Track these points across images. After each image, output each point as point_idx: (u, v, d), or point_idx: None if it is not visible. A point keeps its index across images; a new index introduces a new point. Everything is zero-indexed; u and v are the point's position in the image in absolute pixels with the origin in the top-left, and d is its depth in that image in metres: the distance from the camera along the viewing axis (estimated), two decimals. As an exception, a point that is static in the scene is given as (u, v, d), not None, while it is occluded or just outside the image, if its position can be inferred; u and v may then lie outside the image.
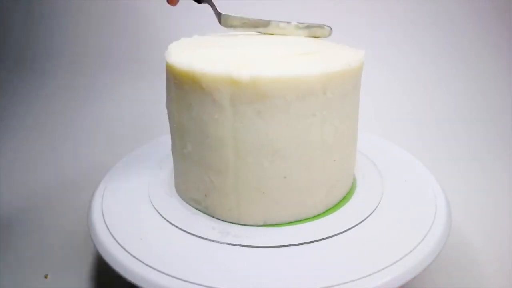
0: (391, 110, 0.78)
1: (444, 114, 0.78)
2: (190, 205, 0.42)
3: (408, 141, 0.65)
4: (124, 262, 0.35)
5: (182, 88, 0.38)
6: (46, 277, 0.46)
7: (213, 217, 0.40)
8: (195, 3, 0.46)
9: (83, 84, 0.88)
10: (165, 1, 0.44)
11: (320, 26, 0.45)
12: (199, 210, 0.41)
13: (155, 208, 0.42)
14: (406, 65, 0.84)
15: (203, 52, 0.40)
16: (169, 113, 0.42)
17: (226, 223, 0.40)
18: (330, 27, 0.45)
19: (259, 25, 0.45)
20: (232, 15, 0.45)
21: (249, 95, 0.35)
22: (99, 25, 0.91)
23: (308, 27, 0.45)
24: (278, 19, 0.45)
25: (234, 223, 0.39)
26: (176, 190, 0.44)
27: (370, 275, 0.33)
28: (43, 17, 0.92)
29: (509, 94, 0.79)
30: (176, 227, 0.39)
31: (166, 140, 0.45)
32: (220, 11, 0.45)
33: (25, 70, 0.91)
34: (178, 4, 0.45)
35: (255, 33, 0.47)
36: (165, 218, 0.40)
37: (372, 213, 0.40)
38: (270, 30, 0.46)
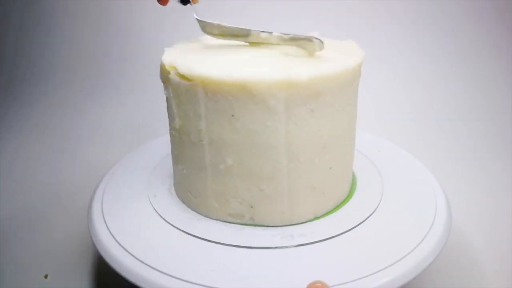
0: (390, 109, 0.78)
1: (444, 113, 0.78)
2: (227, 222, 0.40)
3: (408, 140, 0.65)
4: (124, 262, 0.35)
5: (222, 100, 0.35)
6: (46, 277, 0.46)
7: (261, 225, 0.39)
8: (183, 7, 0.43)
9: (83, 86, 0.88)
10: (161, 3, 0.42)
11: (308, 39, 0.37)
12: (238, 223, 0.40)
13: (154, 209, 0.42)
14: (406, 64, 0.84)
15: (223, 59, 0.38)
16: (185, 133, 0.39)
17: (276, 227, 0.39)
18: (320, 40, 0.37)
19: (238, 35, 0.41)
20: (210, 22, 0.41)
21: (305, 96, 0.35)
22: (98, 27, 0.91)
23: (294, 39, 0.39)
24: (259, 29, 0.40)
25: (283, 226, 0.39)
26: (202, 212, 0.41)
27: (370, 275, 0.33)
28: (43, 18, 0.92)
29: (509, 94, 0.79)
30: (217, 243, 0.37)
31: (165, 140, 0.45)
32: (196, 17, 0.41)
33: (25, 71, 0.91)
34: (169, 4, 0.43)
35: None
36: (165, 220, 0.40)
37: (372, 213, 0.40)
38: (251, 40, 0.41)
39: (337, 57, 0.39)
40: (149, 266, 0.34)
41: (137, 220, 0.40)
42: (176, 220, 0.40)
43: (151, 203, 0.42)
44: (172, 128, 0.41)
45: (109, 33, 0.91)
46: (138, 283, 0.33)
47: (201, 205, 0.41)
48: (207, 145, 0.38)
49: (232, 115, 0.36)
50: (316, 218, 0.40)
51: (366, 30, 0.84)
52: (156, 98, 0.53)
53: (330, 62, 0.37)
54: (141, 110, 0.81)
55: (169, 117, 0.41)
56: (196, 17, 0.41)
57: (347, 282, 0.32)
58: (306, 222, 0.39)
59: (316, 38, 0.37)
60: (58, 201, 0.58)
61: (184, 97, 0.37)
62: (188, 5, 0.42)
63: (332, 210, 0.41)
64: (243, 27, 0.40)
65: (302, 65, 0.36)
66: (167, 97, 0.40)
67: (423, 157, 0.50)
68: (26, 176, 0.65)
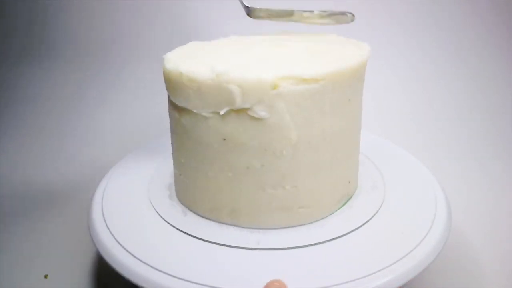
0: (390, 109, 0.78)
1: (444, 113, 0.78)
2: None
3: (408, 141, 0.65)
4: (124, 262, 0.35)
5: (343, 90, 0.37)
6: (46, 277, 0.46)
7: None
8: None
9: (84, 84, 0.88)
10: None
11: (343, 13, 0.45)
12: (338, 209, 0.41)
13: (155, 208, 0.42)
14: (406, 64, 0.84)
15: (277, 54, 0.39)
16: (305, 142, 0.37)
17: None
18: (352, 13, 0.44)
19: (284, 15, 0.46)
20: (259, 7, 0.46)
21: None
22: (99, 25, 0.91)
23: (331, 15, 0.45)
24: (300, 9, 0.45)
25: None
26: (315, 218, 0.40)
27: (370, 275, 0.33)
28: (43, 16, 0.92)
29: (509, 94, 0.79)
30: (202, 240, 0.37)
31: (166, 140, 0.44)
32: (246, 5, 0.46)
33: (25, 69, 0.91)
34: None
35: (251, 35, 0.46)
36: (165, 220, 0.40)
37: (374, 215, 0.40)
38: (294, 19, 0.46)
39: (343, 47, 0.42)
40: (149, 265, 0.34)
41: (137, 220, 0.40)
42: (176, 220, 0.40)
43: (151, 203, 0.42)
44: (276, 151, 0.36)
45: (110, 32, 0.91)
46: (138, 282, 0.33)
47: (315, 212, 0.39)
48: (329, 143, 0.37)
49: (349, 100, 0.38)
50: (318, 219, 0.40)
51: (366, 30, 0.84)
52: (158, 98, 0.53)
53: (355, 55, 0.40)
54: (142, 110, 0.81)
55: (250, 144, 0.36)
56: (245, 3, 0.46)
57: (347, 282, 0.32)
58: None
59: (349, 12, 0.44)
60: (58, 201, 0.58)
61: (308, 103, 0.35)
62: None
63: (334, 210, 0.41)
64: (287, 9, 0.45)
65: (346, 49, 0.41)
66: (260, 119, 0.35)
67: (423, 157, 0.50)
68: (26, 176, 0.65)
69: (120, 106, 0.83)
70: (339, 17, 0.45)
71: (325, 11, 0.45)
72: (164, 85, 0.40)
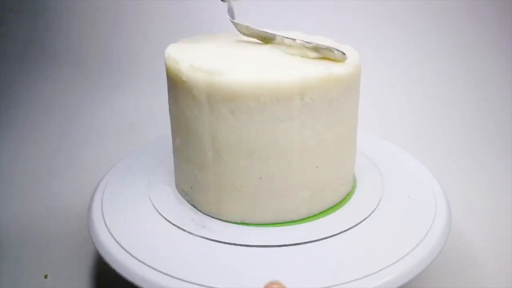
0: (390, 109, 0.78)
1: (444, 113, 0.78)
2: (181, 195, 0.43)
3: (408, 141, 0.65)
4: (124, 262, 0.35)
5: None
6: (46, 277, 0.46)
7: (197, 209, 0.41)
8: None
9: (83, 84, 0.88)
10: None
11: (330, 50, 0.38)
12: (187, 201, 0.42)
13: (155, 208, 0.42)
14: (406, 64, 0.84)
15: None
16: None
17: (206, 216, 0.40)
18: (343, 52, 0.37)
19: (265, 37, 0.42)
20: (241, 23, 0.43)
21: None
22: (99, 25, 0.91)
23: (316, 48, 0.38)
24: (283, 33, 0.42)
25: (215, 218, 0.40)
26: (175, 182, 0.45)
27: (370, 275, 0.33)
28: (43, 17, 0.92)
29: (509, 94, 0.79)
30: (168, 221, 0.39)
31: (166, 140, 0.45)
32: (229, 18, 0.44)
33: (25, 70, 0.91)
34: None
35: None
36: (166, 219, 0.40)
37: (371, 213, 0.40)
38: (275, 43, 0.42)
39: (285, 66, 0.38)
40: (149, 266, 0.34)
41: (137, 220, 0.40)
42: (177, 219, 0.40)
43: (152, 203, 0.42)
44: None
45: (109, 30, 0.91)
46: (138, 283, 0.33)
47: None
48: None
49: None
50: (316, 216, 0.40)
51: (365, 30, 0.84)
52: (157, 97, 0.53)
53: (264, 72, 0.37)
54: (141, 110, 0.81)
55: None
56: (229, 17, 0.44)
57: (346, 282, 0.32)
58: (234, 223, 0.40)
59: (337, 50, 0.37)
60: (58, 201, 0.58)
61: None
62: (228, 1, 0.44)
63: (331, 209, 0.41)
64: (270, 31, 0.42)
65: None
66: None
67: (423, 157, 0.50)
68: (25, 175, 0.65)
69: (120, 106, 0.83)
70: (326, 52, 0.38)
71: (309, 43, 0.39)
72: (163, 84, 0.40)
